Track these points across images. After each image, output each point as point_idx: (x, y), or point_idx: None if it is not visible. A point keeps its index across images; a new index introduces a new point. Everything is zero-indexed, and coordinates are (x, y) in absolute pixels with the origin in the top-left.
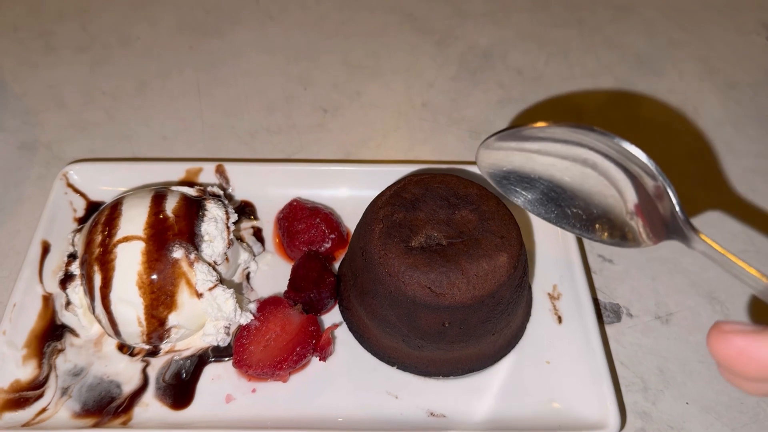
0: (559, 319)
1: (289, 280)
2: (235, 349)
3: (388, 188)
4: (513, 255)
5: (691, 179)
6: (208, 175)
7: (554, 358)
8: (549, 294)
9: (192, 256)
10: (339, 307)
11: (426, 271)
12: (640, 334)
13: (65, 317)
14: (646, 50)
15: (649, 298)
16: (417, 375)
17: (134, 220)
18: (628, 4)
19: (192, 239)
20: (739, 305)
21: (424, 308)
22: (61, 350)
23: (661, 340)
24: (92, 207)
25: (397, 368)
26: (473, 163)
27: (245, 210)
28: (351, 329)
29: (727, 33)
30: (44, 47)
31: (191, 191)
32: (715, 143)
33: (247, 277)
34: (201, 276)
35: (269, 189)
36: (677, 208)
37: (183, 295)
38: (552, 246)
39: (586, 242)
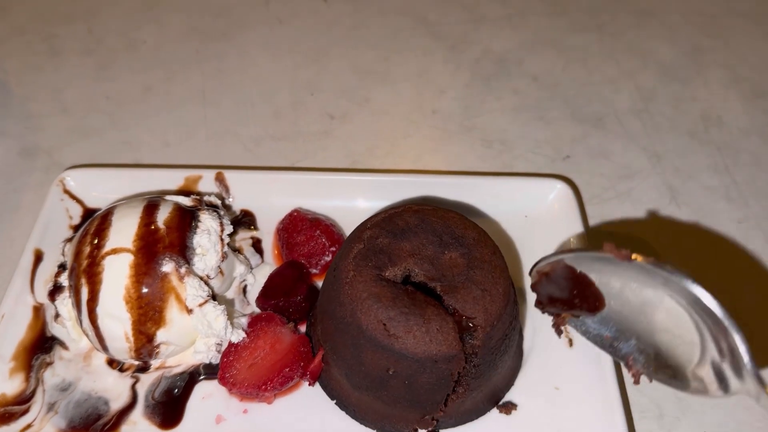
0: (570, 342)
1: (263, 287)
2: (221, 366)
3: (384, 210)
4: (491, 314)
5: (715, 192)
6: (207, 183)
7: (564, 384)
8: None
9: (183, 270)
10: (307, 321)
11: (388, 306)
12: None
13: (55, 329)
14: (669, 57)
15: None
16: (352, 418)
17: (124, 232)
18: (651, 9)
19: (183, 252)
20: (764, 327)
21: (371, 344)
22: (50, 363)
23: None
24: (89, 214)
25: (336, 404)
26: (485, 173)
27: (244, 220)
28: (312, 345)
29: (753, 40)
30: (49, 50)
31: (186, 201)
32: (740, 154)
33: (244, 290)
34: (191, 291)
35: (270, 198)
36: (748, 365)
37: (172, 311)
38: None
39: None
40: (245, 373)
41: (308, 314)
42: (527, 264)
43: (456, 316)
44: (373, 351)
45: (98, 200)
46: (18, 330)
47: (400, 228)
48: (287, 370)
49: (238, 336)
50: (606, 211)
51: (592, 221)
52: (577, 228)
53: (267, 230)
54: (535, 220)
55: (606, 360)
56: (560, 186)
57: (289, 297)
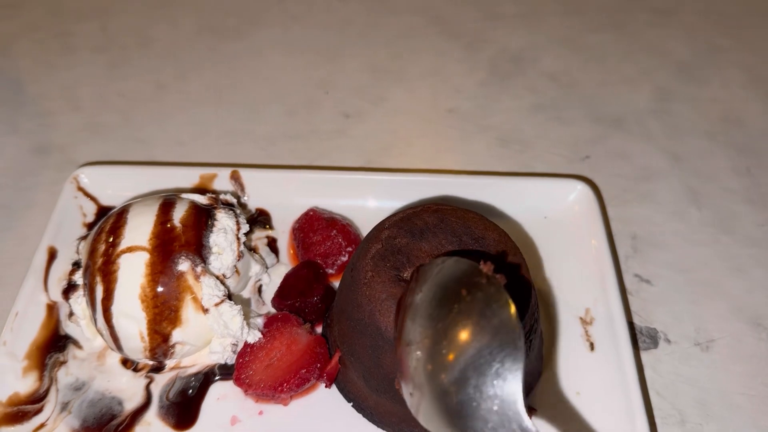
0: (591, 346)
1: (278, 287)
2: (237, 366)
3: (403, 210)
4: None
5: (735, 195)
6: (222, 181)
7: (585, 389)
8: (581, 318)
9: (199, 269)
10: (323, 322)
11: None
12: (678, 362)
13: (69, 328)
14: (687, 56)
15: (688, 323)
16: (369, 421)
17: (139, 230)
18: (669, 8)
19: (199, 251)
20: None
21: (390, 346)
22: (64, 362)
23: (701, 369)
24: (103, 212)
25: (353, 407)
26: (503, 173)
27: (259, 219)
28: (329, 346)
29: None
30: (62, 48)
31: (202, 199)
32: (761, 156)
33: (259, 290)
34: (207, 290)
35: (285, 197)
36: None
37: (188, 311)
38: (585, 265)
39: (622, 261)
40: (261, 374)
41: (324, 315)
42: (548, 266)
43: None
44: (392, 353)
45: (113, 198)
46: (31, 328)
47: (419, 228)
48: (304, 371)
49: (254, 336)
50: (626, 213)
51: (613, 223)
52: (598, 229)
53: (282, 229)
54: (554, 221)
55: (628, 365)
56: (581, 187)
57: (305, 297)
